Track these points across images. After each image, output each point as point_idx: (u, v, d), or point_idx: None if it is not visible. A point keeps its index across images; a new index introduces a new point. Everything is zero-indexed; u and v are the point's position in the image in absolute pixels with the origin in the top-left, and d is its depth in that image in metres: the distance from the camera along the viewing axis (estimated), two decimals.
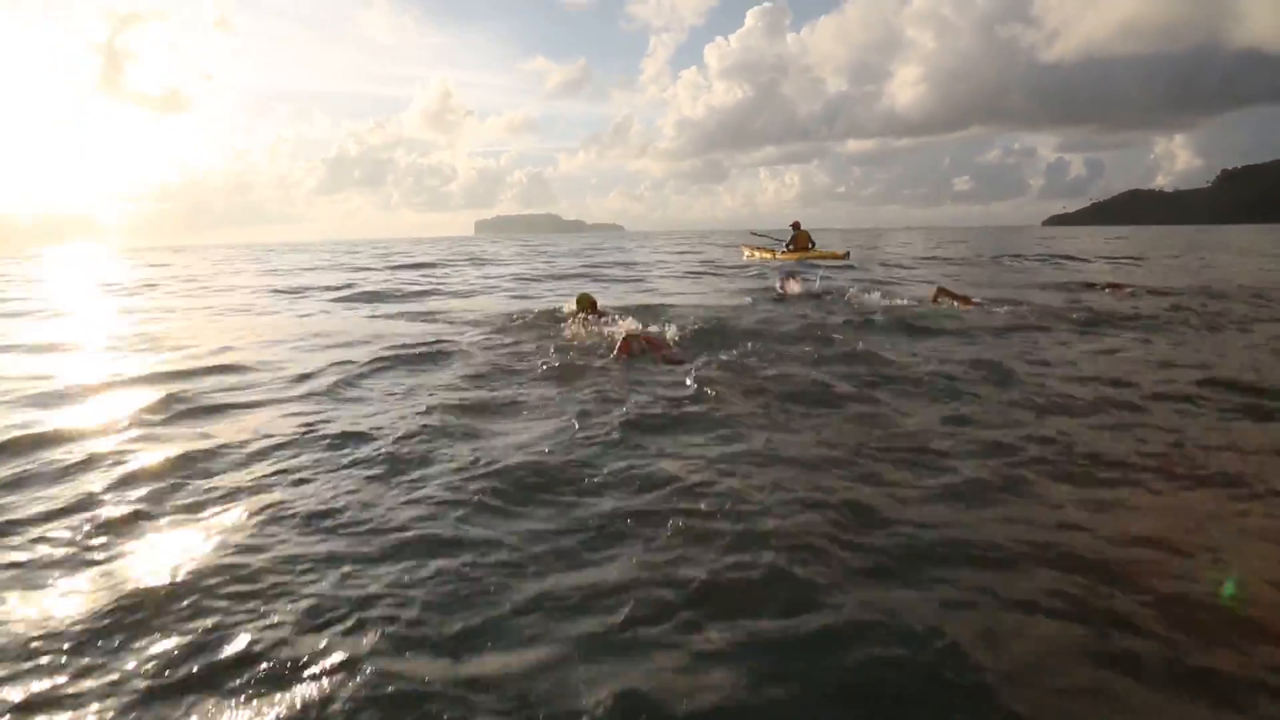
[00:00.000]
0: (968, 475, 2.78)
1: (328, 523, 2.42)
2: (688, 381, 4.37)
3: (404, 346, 5.89)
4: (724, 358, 5.05)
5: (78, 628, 1.84)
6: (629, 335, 5.52)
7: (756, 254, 18.71)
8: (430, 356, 5.51)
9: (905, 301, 8.31)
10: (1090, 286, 10.32)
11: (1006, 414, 3.66)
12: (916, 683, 1.57)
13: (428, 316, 8.66)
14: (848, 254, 16.88)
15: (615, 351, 5.30)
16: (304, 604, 1.90)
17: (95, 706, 1.54)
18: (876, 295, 8.63)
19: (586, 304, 7.21)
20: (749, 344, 5.57)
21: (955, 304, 7.98)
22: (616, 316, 6.75)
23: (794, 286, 9.56)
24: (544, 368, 4.93)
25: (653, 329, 6.07)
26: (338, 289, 13.00)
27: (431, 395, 4.26)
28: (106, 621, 1.85)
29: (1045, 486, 2.68)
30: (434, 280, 15.18)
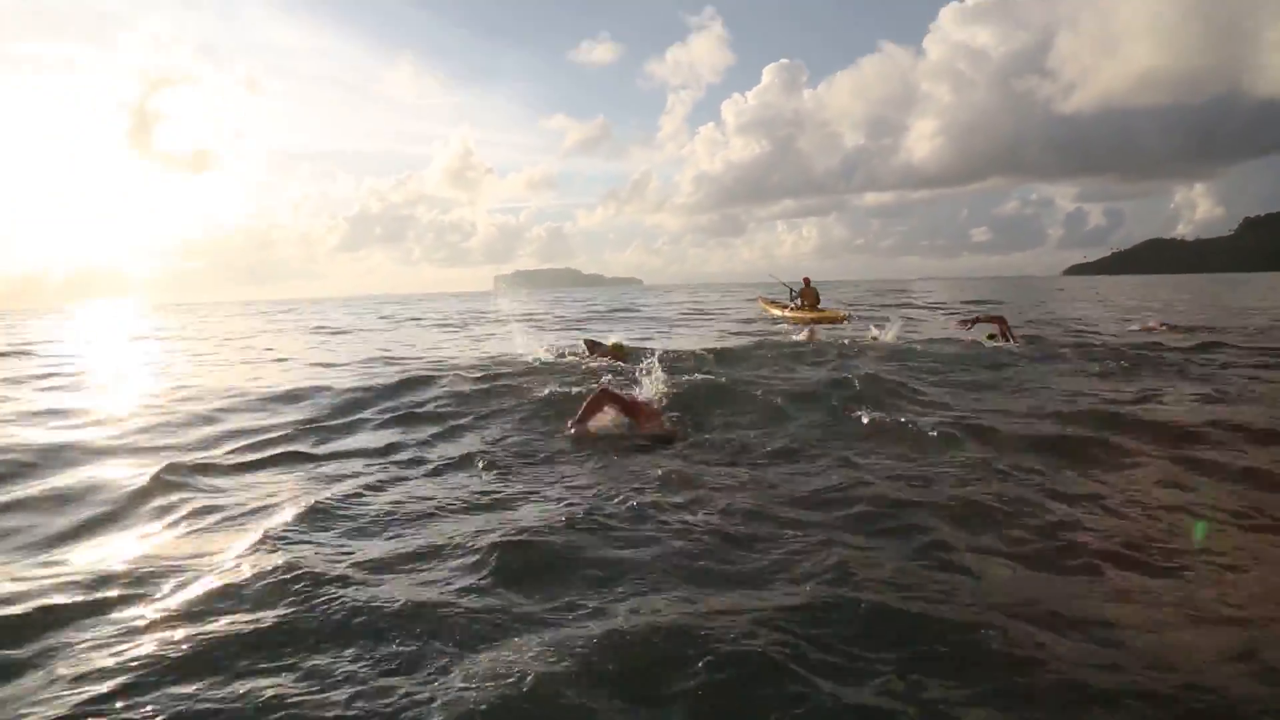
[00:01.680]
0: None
1: None
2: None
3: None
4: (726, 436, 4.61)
5: None
6: (600, 396, 4.67)
7: (771, 309, 19.65)
8: None
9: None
10: None
11: None
12: None
13: None
14: (849, 317, 16.64)
15: (578, 418, 4.54)
16: None
17: None
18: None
19: (592, 348, 8.37)
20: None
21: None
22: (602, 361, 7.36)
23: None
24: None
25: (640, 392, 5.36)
26: None
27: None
28: None
29: None
30: None
